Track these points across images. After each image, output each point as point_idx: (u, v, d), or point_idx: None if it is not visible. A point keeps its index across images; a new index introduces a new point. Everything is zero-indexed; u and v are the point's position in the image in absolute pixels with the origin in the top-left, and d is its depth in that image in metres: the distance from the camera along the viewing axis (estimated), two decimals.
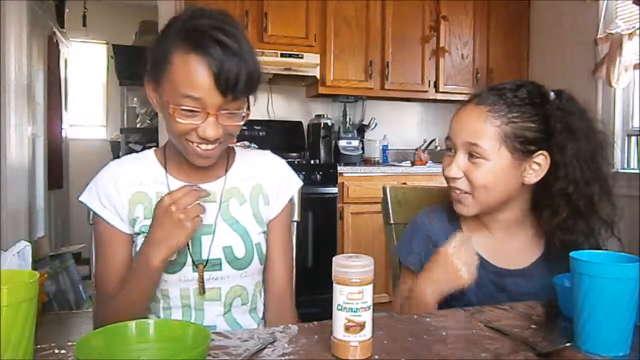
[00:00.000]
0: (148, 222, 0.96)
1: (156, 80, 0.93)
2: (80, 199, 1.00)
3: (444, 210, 1.08)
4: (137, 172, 1.01)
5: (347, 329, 0.65)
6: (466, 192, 0.98)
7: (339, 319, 0.66)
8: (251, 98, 0.95)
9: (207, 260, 0.97)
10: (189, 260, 0.96)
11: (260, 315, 1.07)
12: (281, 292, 1.07)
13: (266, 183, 1.07)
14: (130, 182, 0.99)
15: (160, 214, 0.86)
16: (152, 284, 0.91)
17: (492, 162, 0.95)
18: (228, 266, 0.98)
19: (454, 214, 1.06)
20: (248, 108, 0.93)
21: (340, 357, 0.66)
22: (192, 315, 0.98)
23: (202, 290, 0.96)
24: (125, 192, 0.98)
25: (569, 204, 0.96)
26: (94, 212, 0.99)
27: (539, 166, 0.97)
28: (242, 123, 0.93)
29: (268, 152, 1.13)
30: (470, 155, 0.97)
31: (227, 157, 1.06)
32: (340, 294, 0.66)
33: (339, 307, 0.66)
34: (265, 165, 1.09)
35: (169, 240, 0.85)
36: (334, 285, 0.66)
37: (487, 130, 0.95)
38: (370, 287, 0.66)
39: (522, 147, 0.95)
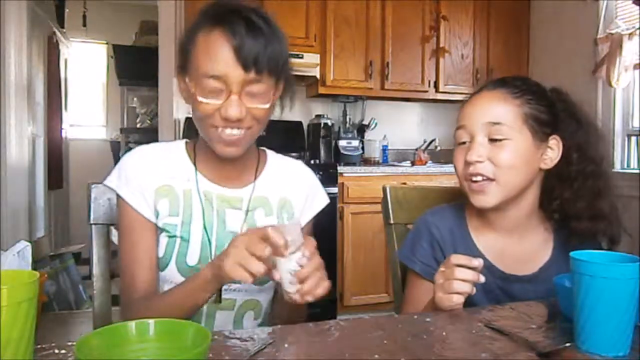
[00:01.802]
0: (172, 219, 0.93)
1: (184, 70, 0.92)
2: (106, 183, 0.97)
3: (451, 210, 1.07)
4: (165, 163, 0.97)
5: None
6: (489, 179, 0.95)
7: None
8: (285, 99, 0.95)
9: None
10: None
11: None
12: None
13: (294, 198, 1.04)
14: (157, 173, 0.96)
15: (232, 242, 0.79)
16: (203, 290, 0.84)
17: (516, 142, 0.94)
18: None
19: (461, 214, 1.05)
20: (275, 94, 0.90)
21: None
22: (202, 321, 0.96)
23: (219, 299, 0.93)
24: (152, 181, 0.95)
25: (589, 184, 0.97)
26: (120, 197, 0.95)
27: (552, 150, 0.98)
28: (267, 107, 0.89)
29: (300, 163, 1.09)
30: (491, 139, 0.95)
31: (257, 160, 1.02)
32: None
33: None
34: (296, 178, 1.06)
35: (220, 263, 0.78)
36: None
37: (508, 109, 0.95)
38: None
39: (539, 129, 0.96)
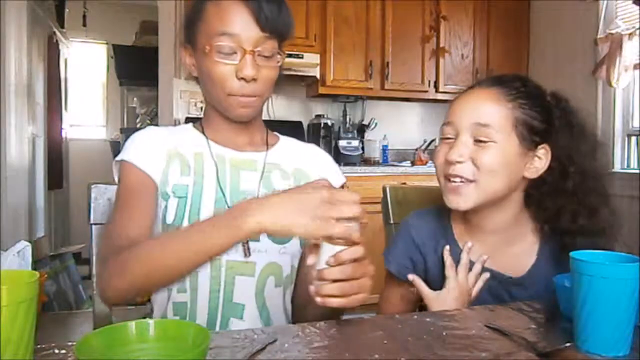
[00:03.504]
0: (183, 179, 0.92)
1: (191, 40, 0.93)
2: (116, 159, 0.95)
3: (436, 212, 1.05)
4: (175, 136, 0.98)
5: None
6: (468, 180, 0.91)
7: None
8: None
9: None
10: None
11: (289, 315, 0.99)
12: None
13: (309, 170, 1.02)
14: (168, 142, 0.96)
15: (307, 197, 0.70)
16: (213, 248, 0.75)
17: (501, 146, 0.90)
18: (267, 238, 0.91)
19: (444, 216, 1.03)
20: (280, 55, 0.91)
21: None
22: (220, 290, 0.89)
23: (247, 252, 0.89)
24: (162, 146, 0.95)
25: (586, 202, 0.93)
26: (124, 161, 0.92)
27: (539, 160, 0.94)
28: (277, 70, 0.92)
29: (313, 145, 1.10)
30: (477, 140, 0.91)
31: (266, 135, 1.03)
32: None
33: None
34: (310, 155, 1.06)
35: (288, 218, 0.69)
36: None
37: (499, 111, 0.91)
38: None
39: (529, 136, 0.92)
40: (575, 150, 0.95)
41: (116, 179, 0.96)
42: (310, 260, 0.73)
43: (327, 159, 1.08)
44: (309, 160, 1.04)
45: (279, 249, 0.94)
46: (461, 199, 0.92)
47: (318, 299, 0.71)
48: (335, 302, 0.71)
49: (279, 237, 0.89)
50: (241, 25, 0.86)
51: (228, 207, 0.89)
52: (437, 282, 1.01)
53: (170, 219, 0.90)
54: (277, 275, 0.95)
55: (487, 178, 0.90)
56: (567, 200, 0.94)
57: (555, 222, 0.95)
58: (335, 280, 0.71)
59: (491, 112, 0.91)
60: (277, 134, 1.08)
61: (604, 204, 0.96)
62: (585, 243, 0.91)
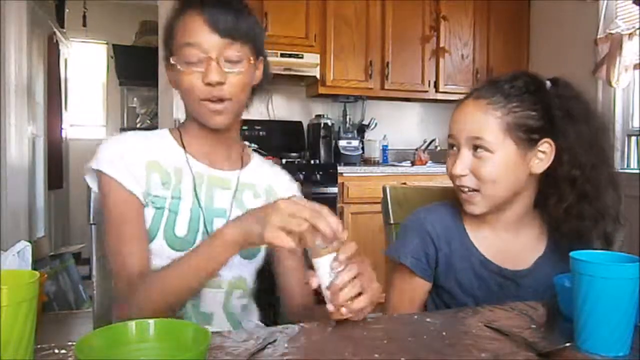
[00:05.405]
0: (162, 192, 0.94)
1: (167, 57, 0.96)
2: (91, 166, 0.93)
3: (446, 207, 1.06)
4: (152, 144, 0.99)
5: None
6: (474, 190, 0.97)
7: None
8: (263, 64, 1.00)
9: None
10: (198, 241, 0.93)
11: (256, 318, 1.05)
12: (308, 300, 1.03)
13: (279, 189, 1.08)
14: (145, 150, 0.96)
15: (269, 209, 0.75)
16: (211, 262, 0.81)
17: (498, 155, 0.94)
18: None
19: (456, 211, 1.05)
20: (254, 67, 0.96)
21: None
22: (188, 302, 0.93)
23: None
24: (140, 157, 0.95)
25: (575, 189, 0.96)
26: (106, 174, 0.92)
27: (544, 154, 0.96)
28: (246, 75, 0.94)
29: (278, 166, 1.16)
30: (475, 151, 0.96)
31: (242, 151, 1.07)
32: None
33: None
34: (279, 175, 1.12)
35: (253, 226, 0.76)
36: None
37: (489, 122, 0.95)
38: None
39: (526, 137, 0.95)
40: (578, 137, 0.96)
41: (94, 188, 0.98)
42: (314, 283, 0.76)
43: (290, 181, 1.14)
44: (278, 181, 1.10)
45: (245, 262, 0.99)
46: (475, 207, 0.99)
47: (344, 310, 0.74)
48: (362, 300, 0.75)
49: (249, 247, 0.86)
50: (202, 34, 0.90)
51: (205, 220, 0.96)
52: (447, 276, 1.02)
53: (146, 225, 0.93)
54: (243, 288, 1.01)
55: (488, 187, 0.96)
56: (561, 189, 0.97)
57: (556, 209, 0.98)
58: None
59: (482, 124, 0.95)
60: (252, 151, 1.13)
61: (598, 191, 0.97)
62: (578, 227, 0.96)
